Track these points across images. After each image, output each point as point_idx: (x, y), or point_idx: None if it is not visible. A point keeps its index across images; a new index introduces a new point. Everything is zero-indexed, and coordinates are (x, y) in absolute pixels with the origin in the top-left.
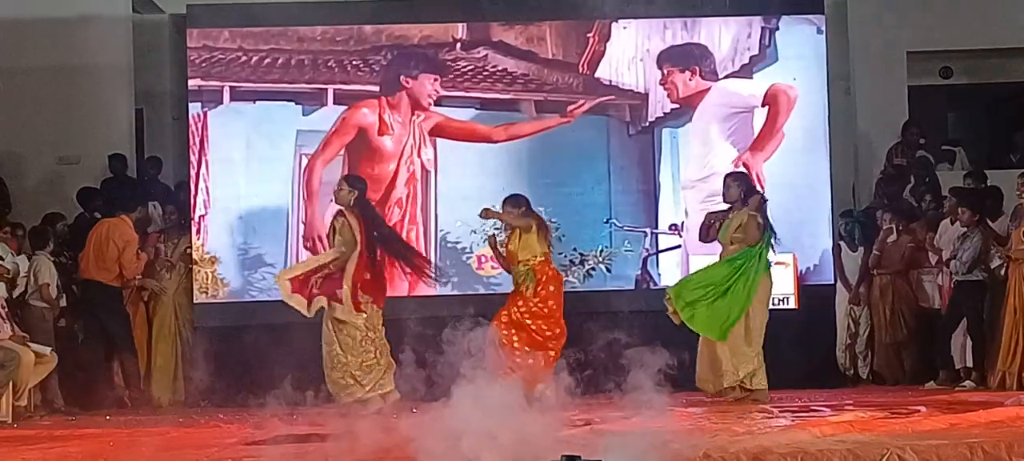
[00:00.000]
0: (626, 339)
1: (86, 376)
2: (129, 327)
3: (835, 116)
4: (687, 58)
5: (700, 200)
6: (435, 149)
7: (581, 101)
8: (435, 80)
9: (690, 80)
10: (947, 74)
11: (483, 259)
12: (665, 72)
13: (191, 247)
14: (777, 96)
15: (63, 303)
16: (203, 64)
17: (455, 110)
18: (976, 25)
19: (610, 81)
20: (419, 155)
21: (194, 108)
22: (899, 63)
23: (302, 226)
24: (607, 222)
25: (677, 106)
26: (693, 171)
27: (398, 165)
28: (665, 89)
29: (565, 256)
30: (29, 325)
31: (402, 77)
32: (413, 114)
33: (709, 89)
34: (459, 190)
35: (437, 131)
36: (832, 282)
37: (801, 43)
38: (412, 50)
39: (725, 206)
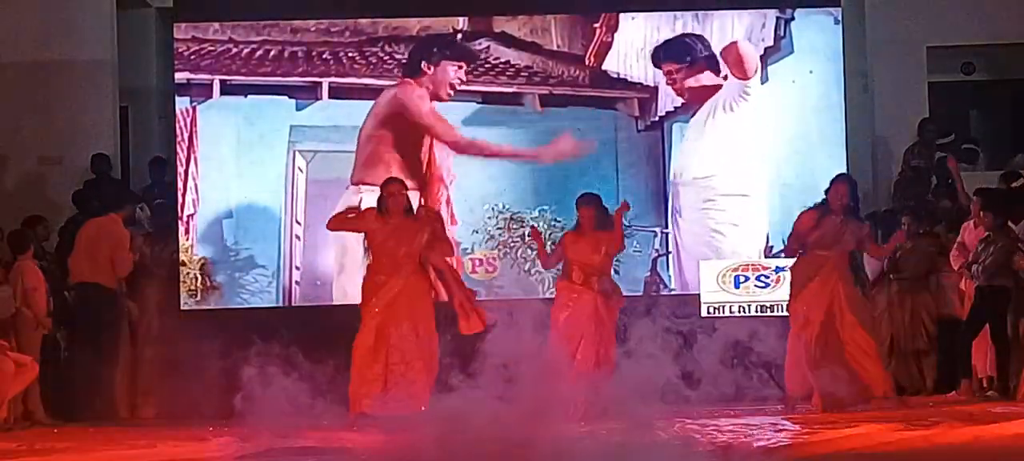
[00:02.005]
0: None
1: (70, 386)
2: (117, 334)
3: (853, 113)
4: (690, 54)
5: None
6: None
7: None
8: (459, 68)
9: (701, 75)
10: (969, 70)
11: (476, 262)
12: (673, 73)
13: (177, 251)
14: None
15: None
16: (192, 57)
17: (456, 104)
18: (999, 18)
19: (618, 74)
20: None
21: (183, 102)
22: (919, 58)
23: (296, 225)
24: None
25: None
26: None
27: (431, 159)
28: (675, 89)
29: None
30: (20, 333)
31: (423, 63)
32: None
33: (720, 86)
34: (458, 186)
35: None
36: None
37: (818, 34)
38: (432, 37)
39: None
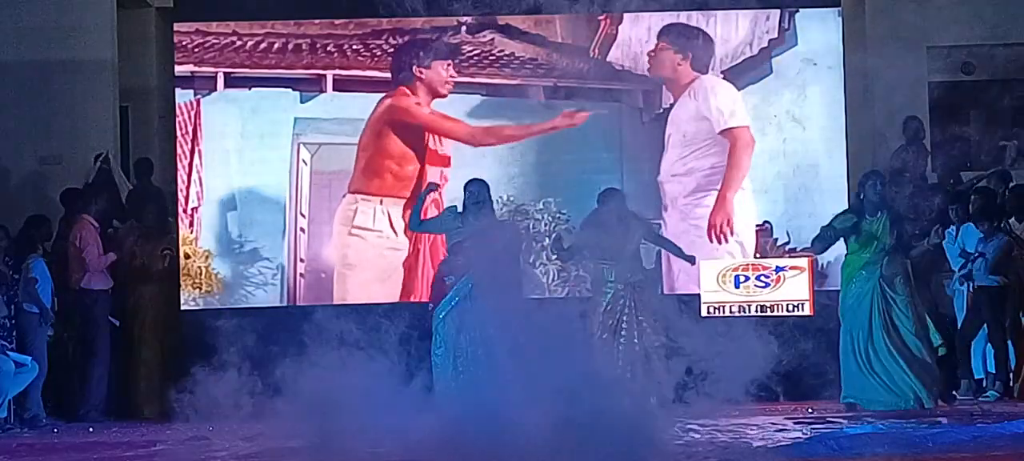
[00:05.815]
0: None
1: (69, 387)
2: (118, 335)
3: (853, 111)
4: (687, 43)
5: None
6: None
7: None
8: (449, 66)
9: (680, 65)
10: (969, 70)
11: None
12: (658, 46)
13: (176, 251)
14: (736, 141)
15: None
16: (196, 49)
17: (461, 97)
18: (999, 18)
19: (622, 66)
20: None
21: (187, 95)
22: (919, 58)
23: (301, 218)
24: None
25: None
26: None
27: (425, 159)
28: (649, 61)
29: None
30: (25, 333)
31: (415, 67)
32: (430, 104)
33: (693, 80)
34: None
35: None
36: None
37: (822, 25)
38: (418, 37)
39: None
